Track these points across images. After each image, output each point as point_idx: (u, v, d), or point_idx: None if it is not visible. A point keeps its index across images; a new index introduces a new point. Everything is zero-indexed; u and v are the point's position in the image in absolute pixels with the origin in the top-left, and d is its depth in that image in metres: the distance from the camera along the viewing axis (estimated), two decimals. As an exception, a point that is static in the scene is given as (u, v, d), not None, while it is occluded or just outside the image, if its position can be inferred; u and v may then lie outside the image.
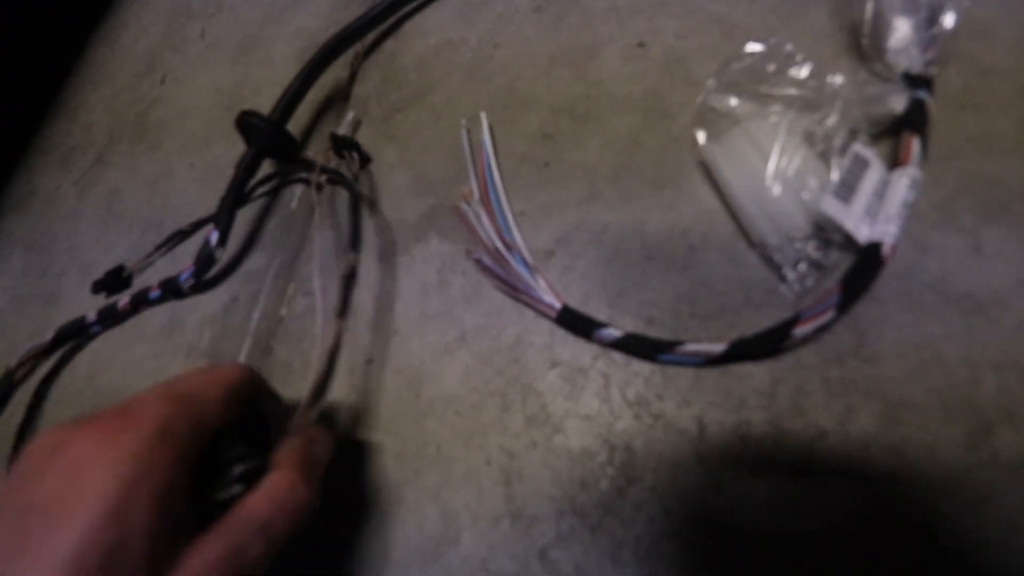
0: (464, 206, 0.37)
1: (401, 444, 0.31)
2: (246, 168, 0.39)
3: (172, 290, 0.40)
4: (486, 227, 0.35)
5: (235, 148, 0.45)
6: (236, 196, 0.39)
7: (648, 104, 0.36)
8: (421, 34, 0.50)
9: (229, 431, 0.21)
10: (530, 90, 0.41)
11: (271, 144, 0.41)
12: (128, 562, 0.16)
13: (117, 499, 0.16)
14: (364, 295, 0.37)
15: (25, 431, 0.41)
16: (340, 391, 0.34)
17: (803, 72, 0.31)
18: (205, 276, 0.40)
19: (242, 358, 0.37)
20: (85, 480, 0.16)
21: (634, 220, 0.33)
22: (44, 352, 0.43)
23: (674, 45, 0.38)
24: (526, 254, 0.33)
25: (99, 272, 0.44)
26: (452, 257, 0.36)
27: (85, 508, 0.16)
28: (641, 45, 0.40)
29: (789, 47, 0.33)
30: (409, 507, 0.29)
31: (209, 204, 0.46)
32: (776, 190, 0.27)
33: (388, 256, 0.38)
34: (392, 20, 0.50)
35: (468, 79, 0.45)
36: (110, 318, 0.43)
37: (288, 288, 0.41)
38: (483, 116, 0.40)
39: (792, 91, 0.30)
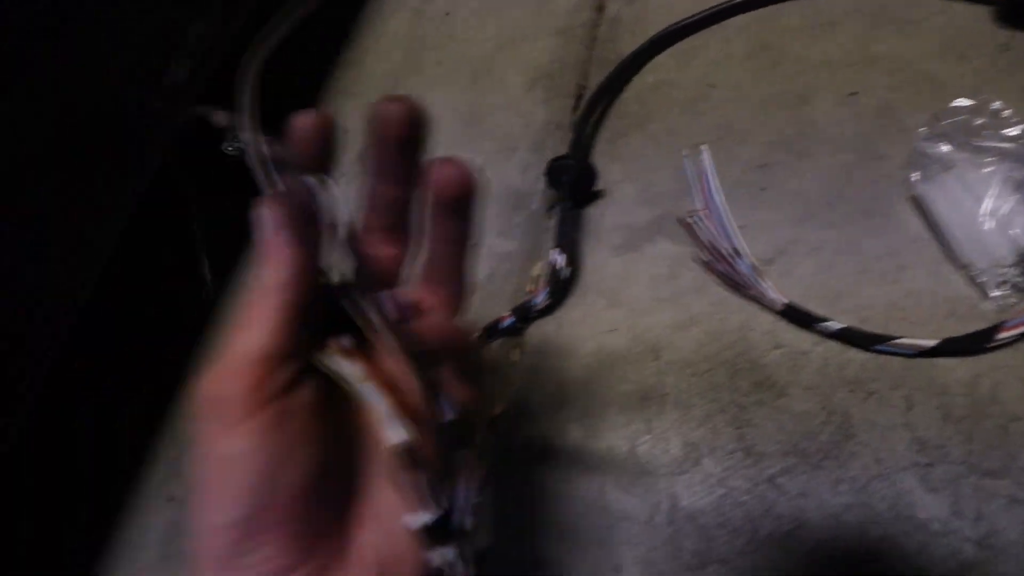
0: (689, 219, 0.47)
1: (645, 389, 0.41)
2: (572, 205, 0.51)
3: (522, 315, 0.49)
4: (713, 235, 0.45)
5: (475, 159, 0.58)
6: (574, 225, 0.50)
7: (860, 145, 0.45)
8: (643, 72, 0.61)
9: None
10: (745, 126, 0.51)
11: (582, 180, 0.52)
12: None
13: None
14: (594, 279, 0.48)
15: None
16: (585, 353, 0.45)
17: (1014, 130, 0.38)
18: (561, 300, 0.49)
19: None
20: None
21: (848, 240, 0.41)
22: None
23: (886, 96, 0.47)
24: (752, 259, 0.43)
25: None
26: (679, 257, 0.47)
27: None
28: (853, 94, 0.48)
29: (997, 104, 0.41)
30: (655, 436, 0.39)
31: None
32: (988, 225, 0.35)
33: (621, 251, 0.49)
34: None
35: (684, 113, 0.55)
36: None
37: (534, 267, 0.53)
38: (704, 148, 0.50)
39: (1003, 145, 0.38)
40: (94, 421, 0.59)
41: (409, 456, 0.17)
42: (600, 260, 0.50)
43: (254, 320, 0.18)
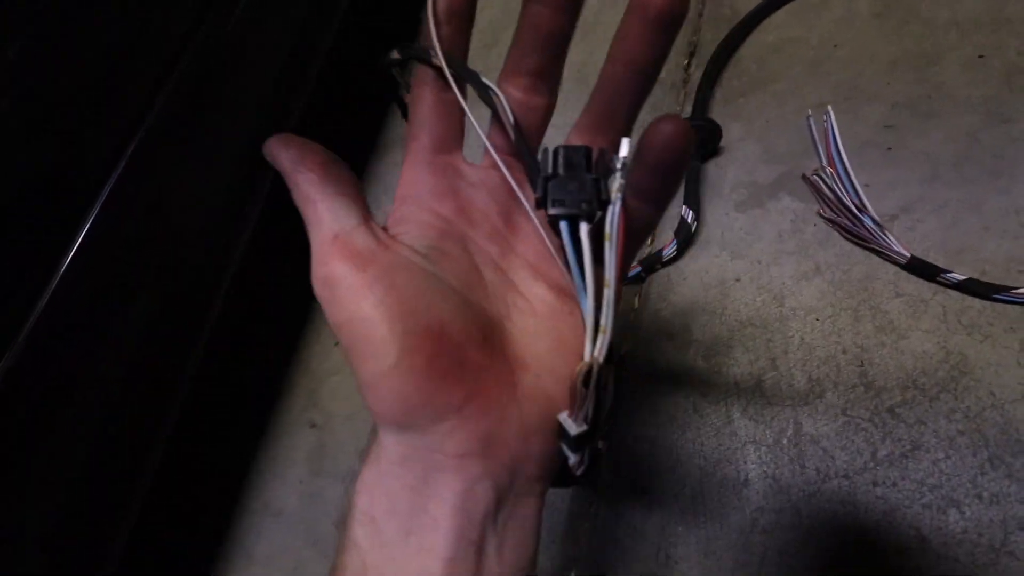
0: (814, 177, 0.52)
1: (770, 332, 0.48)
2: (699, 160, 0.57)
3: (649, 265, 0.55)
4: (838, 193, 0.50)
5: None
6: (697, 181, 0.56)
7: (988, 108, 0.48)
8: (759, 30, 0.64)
9: None
10: (871, 87, 0.54)
11: (709, 139, 0.57)
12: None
13: None
14: (716, 233, 0.54)
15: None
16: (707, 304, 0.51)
17: None
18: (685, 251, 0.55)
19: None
20: None
21: (972, 199, 0.45)
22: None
23: (1015, 60, 0.49)
24: (875, 214, 0.48)
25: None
26: (803, 212, 0.52)
27: None
28: (981, 57, 0.51)
29: None
30: (780, 372, 0.46)
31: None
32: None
33: (745, 207, 0.55)
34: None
35: (809, 72, 0.58)
36: None
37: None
38: (830, 108, 0.54)
39: None
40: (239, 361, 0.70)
41: (592, 373, 0.18)
42: (723, 215, 0.55)
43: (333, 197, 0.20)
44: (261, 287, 0.69)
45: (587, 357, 0.19)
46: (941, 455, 0.39)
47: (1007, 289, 0.41)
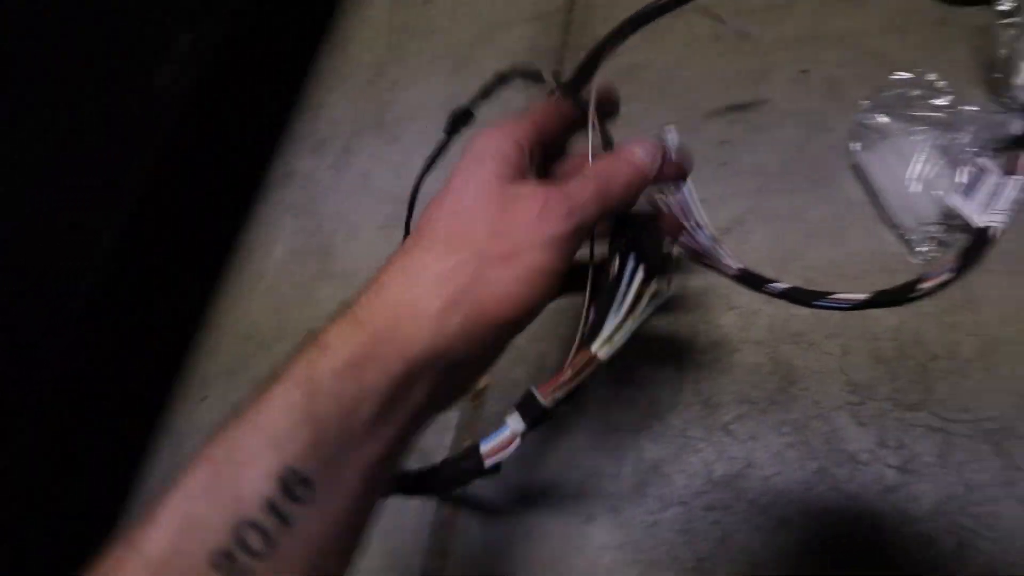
0: (657, 194, 0.52)
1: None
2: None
3: None
4: (676, 211, 0.50)
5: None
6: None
7: (810, 120, 0.49)
8: (615, 55, 0.65)
9: None
10: (711, 104, 0.55)
11: None
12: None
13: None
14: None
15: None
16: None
17: (943, 100, 0.43)
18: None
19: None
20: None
21: (797, 208, 0.46)
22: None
23: (834, 72, 0.51)
24: (712, 230, 0.47)
25: (365, 234, 0.64)
26: (647, 230, 0.51)
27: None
28: (804, 71, 0.52)
29: (931, 76, 0.45)
30: (622, 397, 0.44)
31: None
32: (915, 188, 0.40)
33: (595, 228, 0.54)
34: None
35: (658, 94, 0.59)
36: None
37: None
38: (671, 128, 0.54)
39: (934, 114, 0.42)
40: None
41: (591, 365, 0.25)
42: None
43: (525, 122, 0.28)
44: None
45: (594, 349, 0.25)
46: (771, 471, 0.38)
47: (825, 295, 0.40)
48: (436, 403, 0.24)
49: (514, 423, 0.23)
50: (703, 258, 0.47)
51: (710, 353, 0.43)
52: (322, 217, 0.73)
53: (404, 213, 0.67)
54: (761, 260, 0.45)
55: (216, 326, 0.69)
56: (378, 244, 0.65)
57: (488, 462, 0.23)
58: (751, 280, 0.44)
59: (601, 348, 0.25)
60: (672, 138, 0.54)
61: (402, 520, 0.48)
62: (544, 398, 0.23)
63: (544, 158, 0.29)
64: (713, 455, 0.40)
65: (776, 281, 0.43)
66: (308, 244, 0.72)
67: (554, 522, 0.42)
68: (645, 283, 0.28)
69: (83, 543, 0.21)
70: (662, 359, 0.45)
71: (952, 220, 0.39)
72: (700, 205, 0.50)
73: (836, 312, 0.41)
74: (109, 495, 0.60)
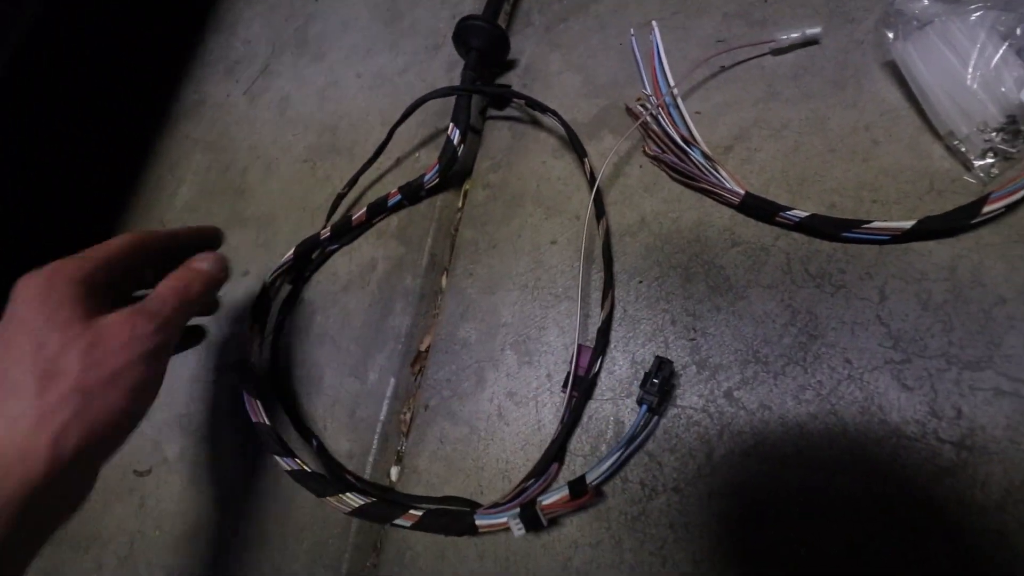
0: (639, 107, 0.42)
1: (588, 306, 0.37)
2: (473, 68, 0.46)
3: (410, 194, 0.46)
4: (663, 124, 0.40)
5: (399, 58, 0.51)
6: (470, 96, 0.45)
7: (830, 10, 0.40)
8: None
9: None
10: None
11: (490, 44, 0.46)
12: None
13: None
14: (531, 187, 0.44)
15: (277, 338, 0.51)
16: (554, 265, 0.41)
17: (1003, -28, 0.34)
18: (449, 174, 0.45)
19: (429, 240, 0.45)
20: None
21: (815, 117, 0.37)
22: (288, 269, 0.48)
23: (856, -50, 0.41)
24: (704, 147, 0.38)
25: (285, 169, 0.53)
26: (628, 152, 0.42)
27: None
28: (820, -50, 0.42)
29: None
30: (607, 356, 0.36)
31: (383, 110, 0.54)
32: (973, 83, 0.31)
33: (561, 153, 0.44)
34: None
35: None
36: (345, 233, 0.48)
37: (464, 184, 0.48)
38: (654, 24, 0.44)
39: (991, -10, 0.33)
40: None
41: None
42: (537, 165, 0.45)
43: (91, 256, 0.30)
44: None
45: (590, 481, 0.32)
46: (789, 450, 0.30)
47: (856, 224, 0.32)
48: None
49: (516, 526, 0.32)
50: (698, 181, 0.38)
51: (707, 301, 0.35)
52: (235, 151, 0.62)
53: (329, 143, 0.56)
54: (771, 183, 0.36)
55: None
56: (299, 182, 0.54)
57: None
58: (759, 208, 0.35)
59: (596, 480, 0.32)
60: (655, 36, 0.45)
61: (324, 512, 0.39)
62: (543, 515, 0.32)
63: (134, 281, 0.34)
64: (714, 429, 0.32)
65: (791, 208, 0.34)
66: (219, 183, 0.60)
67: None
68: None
69: None
70: (645, 308, 0.36)
71: (1021, 124, 0.31)
72: (692, 117, 0.40)
73: (871, 246, 0.32)
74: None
